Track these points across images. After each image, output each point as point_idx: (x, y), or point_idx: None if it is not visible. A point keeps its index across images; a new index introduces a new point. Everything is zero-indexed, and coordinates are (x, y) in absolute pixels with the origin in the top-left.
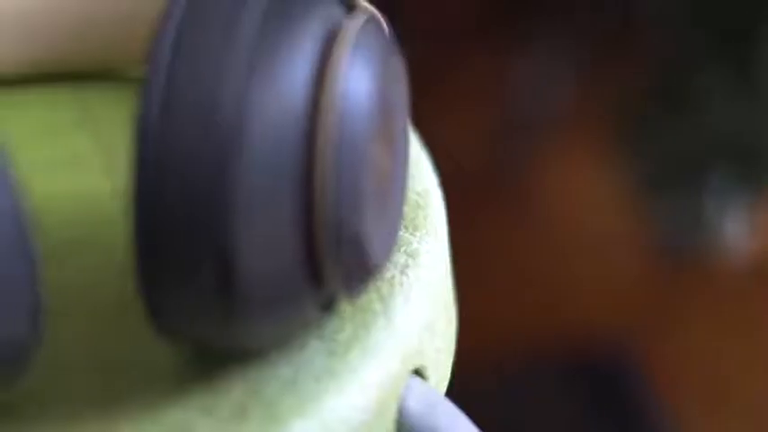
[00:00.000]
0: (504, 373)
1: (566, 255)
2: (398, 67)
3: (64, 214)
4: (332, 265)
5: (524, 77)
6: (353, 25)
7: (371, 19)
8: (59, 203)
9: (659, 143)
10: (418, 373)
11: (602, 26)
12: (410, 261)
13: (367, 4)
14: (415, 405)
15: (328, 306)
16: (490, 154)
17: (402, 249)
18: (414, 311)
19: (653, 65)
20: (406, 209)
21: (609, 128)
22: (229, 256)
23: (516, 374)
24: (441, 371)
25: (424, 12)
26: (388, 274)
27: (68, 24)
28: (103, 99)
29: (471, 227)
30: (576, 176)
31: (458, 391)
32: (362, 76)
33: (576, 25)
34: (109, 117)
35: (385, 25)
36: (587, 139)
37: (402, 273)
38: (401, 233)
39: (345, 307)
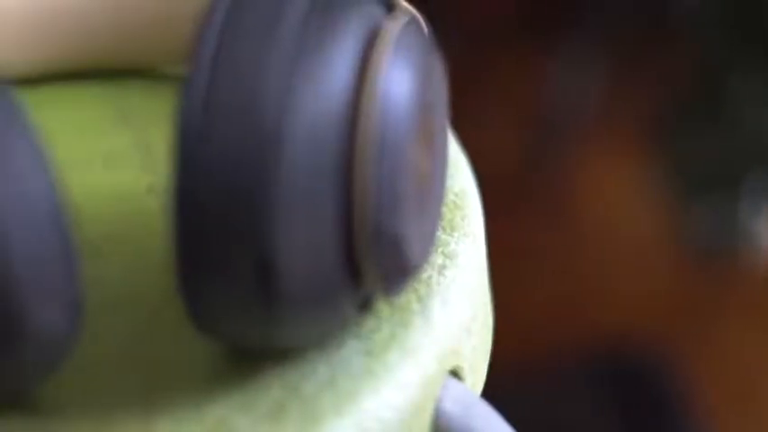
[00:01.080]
0: (537, 374)
1: (599, 257)
2: (438, 68)
3: (102, 211)
4: (371, 266)
5: (560, 80)
6: (394, 26)
7: (412, 19)
8: (97, 200)
9: (693, 146)
10: (455, 373)
11: (637, 29)
12: (447, 262)
13: (407, 5)
14: (451, 406)
15: (366, 306)
16: (525, 156)
17: (440, 250)
18: (451, 312)
19: (688, 68)
20: (443, 209)
21: (642, 131)
22: (269, 256)
23: (549, 376)
24: (477, 372)
25: (464, 12)
26: (425, 275)
27: (108, 23)
28: (140, 96)
29: (504, 228)
30: (610, 179)
31: (491, 392)
32: (403, 77)
33: (611, 28)
34: (146, 114)
35: (425, 26)
36: (621, 142)
37: (439, 273)
38: (439, 234)
39: (383, 307)
